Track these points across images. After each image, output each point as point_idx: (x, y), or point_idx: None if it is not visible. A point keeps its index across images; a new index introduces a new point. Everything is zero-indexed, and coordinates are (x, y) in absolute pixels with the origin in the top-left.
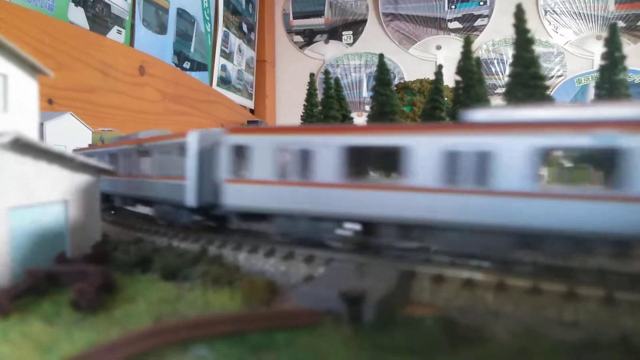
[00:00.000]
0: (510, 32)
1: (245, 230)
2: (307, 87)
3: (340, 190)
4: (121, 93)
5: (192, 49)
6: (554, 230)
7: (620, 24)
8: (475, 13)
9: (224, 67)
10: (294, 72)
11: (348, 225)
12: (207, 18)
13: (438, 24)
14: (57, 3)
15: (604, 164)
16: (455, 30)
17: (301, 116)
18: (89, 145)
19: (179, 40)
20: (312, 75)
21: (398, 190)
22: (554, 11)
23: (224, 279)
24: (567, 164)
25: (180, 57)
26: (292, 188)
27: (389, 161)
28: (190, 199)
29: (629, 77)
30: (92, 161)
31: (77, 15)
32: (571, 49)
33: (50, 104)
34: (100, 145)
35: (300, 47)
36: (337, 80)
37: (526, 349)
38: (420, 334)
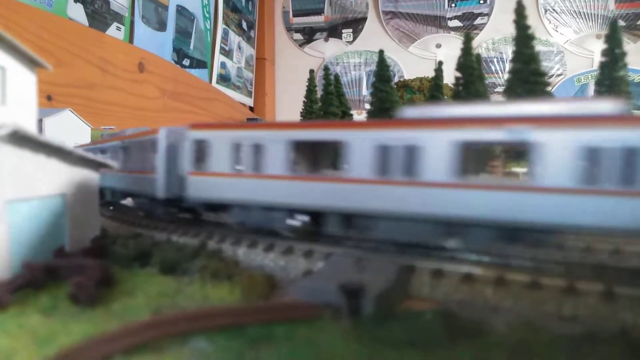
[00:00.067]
0: (510, 31)
1: (216, 222)
2: (307, 84)
3: (287, 182)
4: (120, 90)
5: (191, 46)
6: (475, 219)
7: (620, 23)
8: (475, 11)
9: (223, 65)
10: (294, 70)
11: (298, 216)
12: (207, 15)
13: (438, 22)
14: None
15: (519, 157)
16: (455, 29)
17: (301, 112)
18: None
19: (178, 38)
20: (312, 71)
21: (339, 182)
22: (553, 10)
23: (223, 273)
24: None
25: (180, 54)
26: (246, 180)
27: (333, 155)
28: (160, 191)
29: (629, 76)
30: (91, 155)
31: (76, 12)
32: (571, 48)
33: (49, 101)
34: (92, 143)
35: (300, 45)
36: (337, 77)
37: (525, 341)
38: (419, 327)
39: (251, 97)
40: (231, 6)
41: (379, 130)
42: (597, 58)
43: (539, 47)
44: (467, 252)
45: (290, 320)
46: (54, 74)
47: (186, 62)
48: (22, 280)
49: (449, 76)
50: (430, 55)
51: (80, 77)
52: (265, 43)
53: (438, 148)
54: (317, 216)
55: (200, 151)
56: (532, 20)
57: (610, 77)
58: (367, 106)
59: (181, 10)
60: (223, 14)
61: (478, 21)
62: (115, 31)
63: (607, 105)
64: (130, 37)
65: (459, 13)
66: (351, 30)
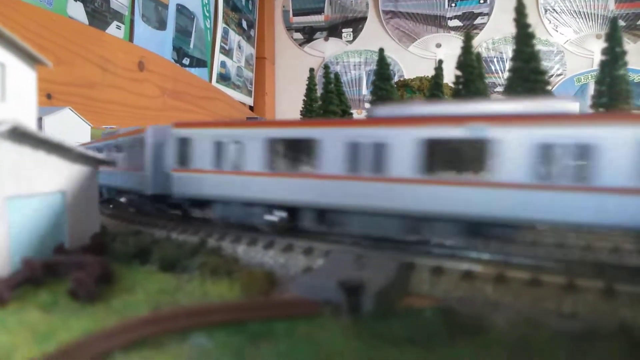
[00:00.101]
0: (510, 31)
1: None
2: (307, 82)
3: (265, 178)
4: (120, 88)
5: (191, 45)
6: (439, 213)
7: (620, 22)
8: (476, 11)
9: (223, 64)
10: (294, 69)
11: (276, 212)
12: (207, 14)
13: (438, 21)
14: None
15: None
16: (455, 28)
17: (301, 111)
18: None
19: (178, 36)
20: (312, 70)
21: (313, 179)
22: (554, 9)
23: (223, 270)
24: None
25: (180, 53)
26: (227, 176)
27: (309, 152)
28: (148, 187)
29: (629, 75)
30: (91, 152)
31: (76, 10)
32: (571, 48)
33: (49, 99)
34: (90, 142)
35: (300, 44)
36: (337, 75)
37: (525, 338)
38: (419, 324)
39: (251, 96)
40: (231, 5)
41: (350, 128)
42: (597, 58)
43: (538, 47)
44: (467, 250)
45: (290, 317)
46: (54, 73)
47: (186, 61)
48: (21, 277)
49: (449, 75)
50: (430, 54)
51: (80, 76)
52: (265, 42)
53: (403, 145)
54: (294, 212)
55: (184, 149)
56: (532, 20)
57: (610, 76)
58: (367, 105)
59: (181, 9)
60: (223, 13)
61: (478, 21)
62: (115, 30)
63: (566, 104)
64: (130, 35)
65: (459, 13)
66: (351, 29)
